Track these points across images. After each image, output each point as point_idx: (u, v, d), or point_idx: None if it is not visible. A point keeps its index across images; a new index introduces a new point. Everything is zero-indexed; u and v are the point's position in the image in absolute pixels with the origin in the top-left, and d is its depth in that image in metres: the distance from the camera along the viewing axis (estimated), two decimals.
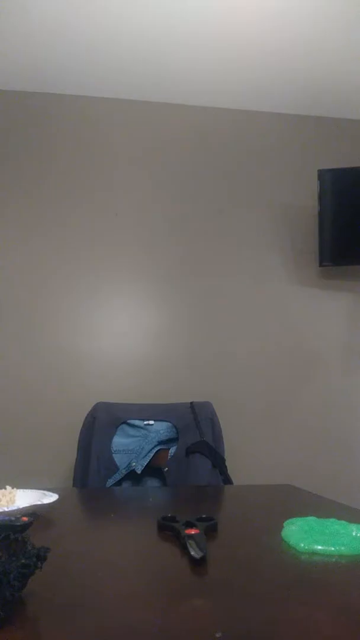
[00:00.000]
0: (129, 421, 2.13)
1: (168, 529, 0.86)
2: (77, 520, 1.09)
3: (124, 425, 2.13)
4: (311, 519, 0.88)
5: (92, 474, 2.01)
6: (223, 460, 2.05)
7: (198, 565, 0.70)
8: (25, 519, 0.82)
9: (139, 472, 1.97)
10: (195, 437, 2.07)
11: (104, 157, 2.62)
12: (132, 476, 1.99)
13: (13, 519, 0.84)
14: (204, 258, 2.62)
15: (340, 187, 2.54)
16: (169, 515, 0.90)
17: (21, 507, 0.97)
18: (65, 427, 2.25)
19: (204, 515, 0.90)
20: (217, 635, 0.50)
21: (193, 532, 0.78)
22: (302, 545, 0.77)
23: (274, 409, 2.54)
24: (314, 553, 0.75)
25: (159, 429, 2.11)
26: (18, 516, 0.87)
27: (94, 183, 2.60)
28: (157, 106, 2.67)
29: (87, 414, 2.19)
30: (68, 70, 2.43)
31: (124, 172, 2.63)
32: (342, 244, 2.53)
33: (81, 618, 0.55)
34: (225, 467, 2.03)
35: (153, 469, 2.02)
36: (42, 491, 1.09)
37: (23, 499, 1.05)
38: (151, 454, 2.03)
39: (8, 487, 1.09)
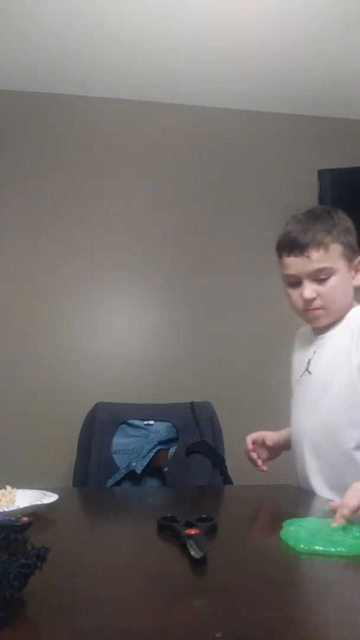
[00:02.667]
0: (129, 421, 2.13)
1: (168, 529, 0.86)
2: (77, 520, 1.09)
3: (124, 425, 2.13)
4: (311, 520, 0.88)
5: (92, 474, 2.01)
6: (223, 460, 2.05)
7: (198, 565, 0.70)
8: (25, 519, 0.82)
9: (139, 472, 1.97)
10: (195, 437, 2.07)
11: (104, 157, 2.62)
12: (132, 476, 1.99)
13: (13, 519, 0.84)
14: (204, 258, 2.62)
15: (340, 187, 2.54)
16: (169, 515, 0.89)
17: (21, 507, 0.97)
18: (65, 427, 2.25)
19: (204, 515, 0.89)
20: (217, 635, 0.50)
21: (193, 532, 0.78)
22: (302, 546, 0.76)
23: (274, 408, 2.53)
24: (314, 553, 0.75)
25: (159, 429, 2.11)
26: (18, 516, 0.87)
27: (94, 183, 2.59)
28: (157, 106, 2.67)
29: (87, 414, 2.19)
30: (68, 70, 2.43)
31: (124, 172, 2.63)
32: None
33: (81, 618, 0.56)
34: (225, 467, 2.03)
35: (153, 469, 2.02)
36: (42, 491, 1.09)
37: (23, 499, 1.05)
38: (151, 454, 2.03)
39: (8, 487, 1.09)
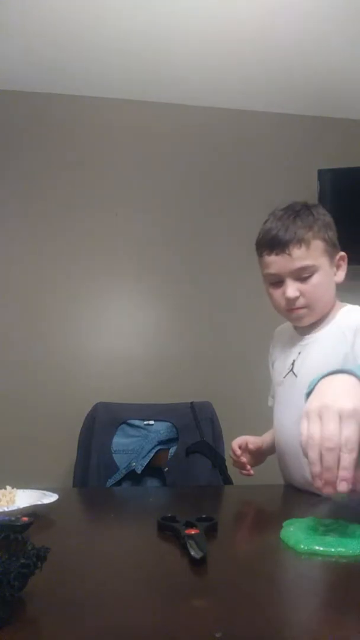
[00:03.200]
0: (129, 421, 2.13)
1: (168, 529, 0.86)
2: (77, 520, 1.09)
3: (124, 425, 2.13)
4: (311, 520, 0.88)
5: (92, 474, 2.01)
6: (223, 460, 2.05)
7: (198, 565, 0.70)
8: (25, 519, 0.82)
9: (139, 472, 1.97)
10: (195, 437, 2.07)
11: (104, 157, 2.62)
12: (132, 476, 1.99)
13: (13, 519, 0.84)
14: (204, 258, 2.62)
15: (340, 187, 2.54)
16: (169, 515, 0.89)
17: (21, 507, 0.97)
18: (65, 427, 2.25)
19: (204, 515, 0.89)
20: (217, 635, 0.50)
21: (193, 532, 0.78)
22: (302, 546, 0.76)
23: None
24: (314, 553, 0.75)
25: (159, 429, 2.11)
26: (18, 516, 0.87)
27: (94, 183, 2.59)
28: (157, 106, 2.67)
29: (87, 414, 2.19)
30: (68, 70, 2.43)
31: (124, 172, 2.63)
32: (342, 244, 2.52)
33: (81, 618, 0.56)
34: (225, 467, 2.03)
35: (153, 469, 2.02)
36: (42, 491, 1.09)
37: (23, 499, 1.05)
38: (151, 454, 2.03)
39: (8, 487, 1.08)
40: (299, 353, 1.28)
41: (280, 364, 1.35)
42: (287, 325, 1.40)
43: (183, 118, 2.69)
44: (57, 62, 2.36)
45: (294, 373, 1.27)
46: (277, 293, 1.23)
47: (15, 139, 2.56)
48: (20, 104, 2.58)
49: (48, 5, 2.01)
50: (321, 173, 2.56)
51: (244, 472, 1.39)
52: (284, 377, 1.30)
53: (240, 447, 1.39)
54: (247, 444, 1.39)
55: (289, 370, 1.29)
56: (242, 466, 1.38)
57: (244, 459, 1.37)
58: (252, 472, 1.38)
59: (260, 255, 1.25)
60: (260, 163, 2.72)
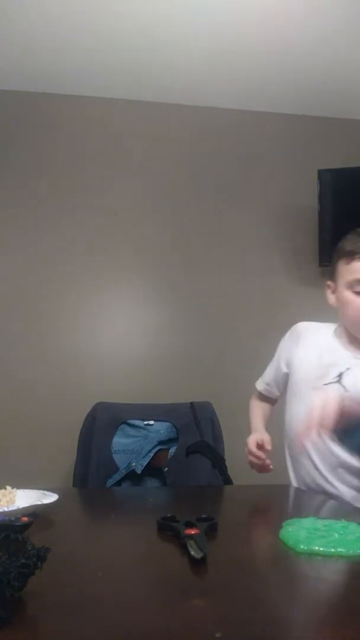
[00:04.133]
0: (129, 421, 2.13)
1: (168, 529, 0.86)
2: (77, 520, 1.09)
3: (124, 425, 2.13)
4: (310, 520, 0.88)
5: (92, 474, 2.01)
6: (223, 460, 2.05)
7: (198, 565, 0.70)
8: (25, 519, 0.82)
9: (139, 472, 1.97)
10: (195, 437, 2.07)
11: (104, 157, 2.62)
12: (132, 476, 1.99)
13: (13, 519, 0.84)
14: (204, 258, 2.62)
15: (340, 187, 2.54)
16: (169, 515, 0.89)
17: (21, 507, 0.97)
18: (65, 427, 2.25)
19: (204, 515, 0.89)
20: (217, 635, 0.50)
21: (193, 532, 0.78)
22: (302, 546, 0.76)
23: (274, 409, 2.53)
24: (313, 554, 0.75)
25: (159, 429, 2.11)
26: (18, 516, 0.87)
27: (94, 183, 2.59)
28: (157, 106, 2.67)
29: (87, 414, 2.19)
30: (68, 70, 2.43)
31: (124, 172, 2.63)
32: None
33: (81, 618, 0.56)
34: (225, 467, 2.03)
35: (153, 469, 2.02)
36: (42, 491, 1.09)
37: (23, 499, 1.05)
38: (151, 454, 2.03)
39: (8, 487, 1.08)
40: (348, 368, 1.29)
41: (312, 365, 1.36)
42: (319, 328, 1.41)
43: (183, 118, 2.69)
44: (57, 62, 2.36)
45: (343, 386, 1.28)
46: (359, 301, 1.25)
47: (15, 139, 2.56)
48: (20, 104, 2.58)
49: (48, 5, 2.01)
50: (321, 173, 2.56)
51: (266, 469, 1.39)
52: (325, 385, 1.30)
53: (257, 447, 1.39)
54: (263, 445, 1.39)
55: (333, 381, 1.30)
56: (265, 467, 1.38)
57: (268, 461, 1.38)
58: (272, 466, 1.39)
59: (349, 262, 1.27)
60: (261, 163, 2.72)
